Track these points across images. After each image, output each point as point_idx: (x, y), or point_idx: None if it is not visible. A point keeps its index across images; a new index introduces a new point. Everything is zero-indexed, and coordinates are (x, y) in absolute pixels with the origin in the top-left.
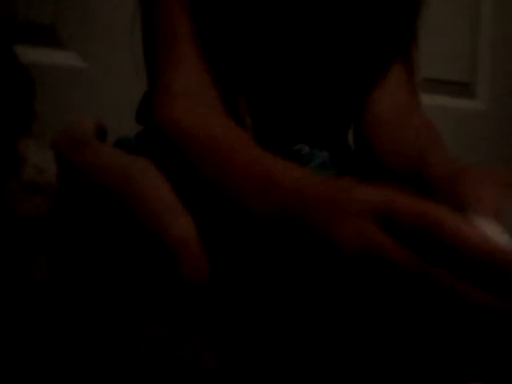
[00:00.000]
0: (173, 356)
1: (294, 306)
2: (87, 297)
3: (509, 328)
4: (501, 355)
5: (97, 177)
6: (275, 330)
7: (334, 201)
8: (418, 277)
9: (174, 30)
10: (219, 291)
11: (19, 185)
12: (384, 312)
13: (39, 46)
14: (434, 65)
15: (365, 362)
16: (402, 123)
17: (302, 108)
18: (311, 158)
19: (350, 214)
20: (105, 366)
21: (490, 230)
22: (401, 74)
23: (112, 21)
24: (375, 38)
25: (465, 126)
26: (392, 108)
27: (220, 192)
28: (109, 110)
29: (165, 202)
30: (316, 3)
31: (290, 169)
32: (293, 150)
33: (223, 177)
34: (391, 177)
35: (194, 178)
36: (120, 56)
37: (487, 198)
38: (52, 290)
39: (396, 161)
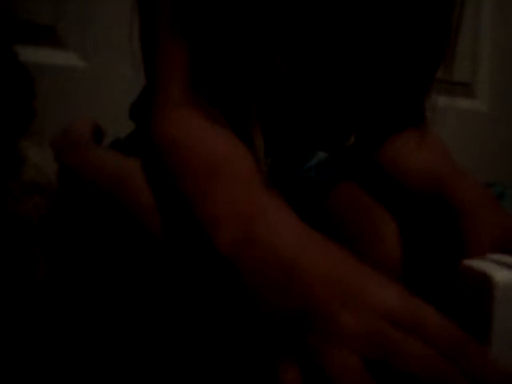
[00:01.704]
0: (172, 355)
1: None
2: (86, 296)
3: None
4: None
5: (92, 177)
6: None
7: (341, 285)
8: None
9: (172, 41)
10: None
11: (19, 185)
12: None
13: (39, 45)
14: None
15: None
16: (417, 145)
17: (311, 116)
18: (308, 158)
19: (361, 311)
20: (105, 366)
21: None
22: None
23: (112, 21)
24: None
25: (465, 125)
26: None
27: (194, 213)
28: (109, 110)
29: (148, 204)
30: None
31: (289, 224)
32: (290, 152)
33: (201, 199)
34: (405, 194)
35: (174, 190)
36: (120, 56)
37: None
38: (52, 290)
39: (413, 180)
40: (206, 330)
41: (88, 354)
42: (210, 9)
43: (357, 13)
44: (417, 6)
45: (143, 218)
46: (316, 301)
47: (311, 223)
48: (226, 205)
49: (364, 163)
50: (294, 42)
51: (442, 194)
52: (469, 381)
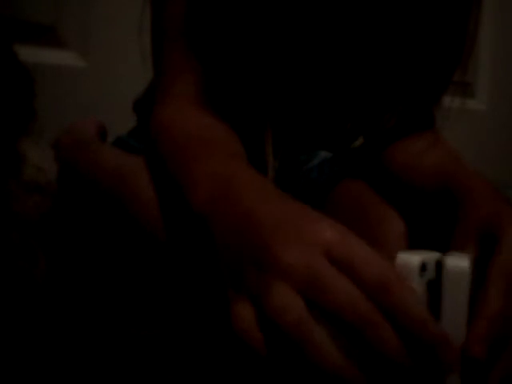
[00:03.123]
0: (171, 356)
1: None
2: (86, 297)
3: None
4: None
5: (94, 176)
6: None
7: (288, 227)
8: (351, 315)
9: (179, 41)
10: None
11: (19, 184)
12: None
13: (39, 45)
14: None
15: None
16: (426, 145)
17: (317, 116)
18: (310, 158)
19: (301, 248)
20: (104, 366)
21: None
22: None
23: (112, 20)
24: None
25: (465, 126)
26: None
27: (180, 190)
28: (109, 109)
29: (151, 202)
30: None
31: (250, 181)
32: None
33: (182, 179)
34: (412, 191)
35: (164, 173)
36: (120, 56)
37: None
38: (52, 290)
39: (422, 177)
40: (206, 329)
41: (88, 354)
42: (219, 14)
43: (371, 14)
44: (434, 9)
45: (143, 217)
46: (263, 242)
47: None
48: (205, 170)
49: (370, 163)
50: (305, 40)
51: (448, 188)
52: (389, 324)
